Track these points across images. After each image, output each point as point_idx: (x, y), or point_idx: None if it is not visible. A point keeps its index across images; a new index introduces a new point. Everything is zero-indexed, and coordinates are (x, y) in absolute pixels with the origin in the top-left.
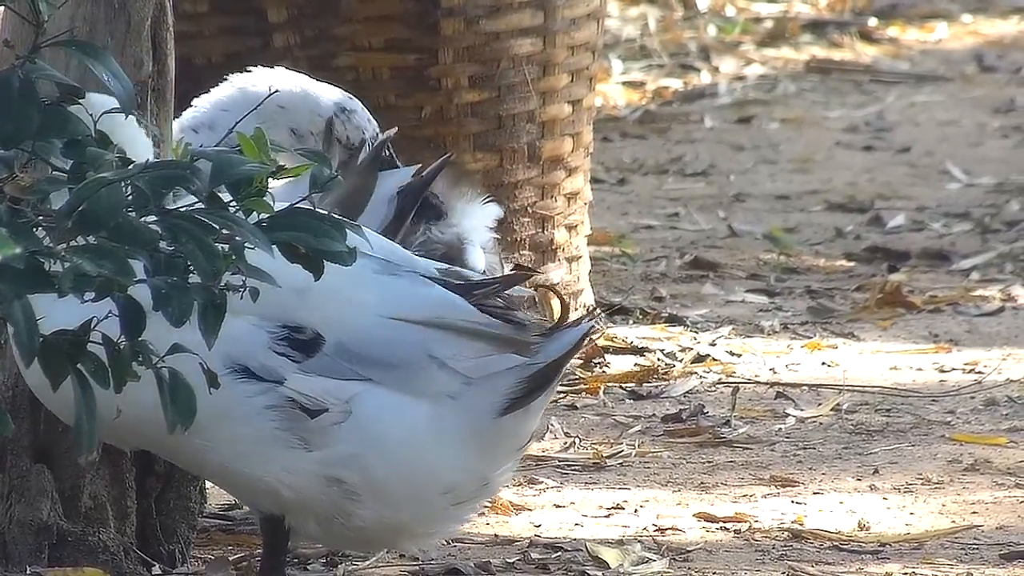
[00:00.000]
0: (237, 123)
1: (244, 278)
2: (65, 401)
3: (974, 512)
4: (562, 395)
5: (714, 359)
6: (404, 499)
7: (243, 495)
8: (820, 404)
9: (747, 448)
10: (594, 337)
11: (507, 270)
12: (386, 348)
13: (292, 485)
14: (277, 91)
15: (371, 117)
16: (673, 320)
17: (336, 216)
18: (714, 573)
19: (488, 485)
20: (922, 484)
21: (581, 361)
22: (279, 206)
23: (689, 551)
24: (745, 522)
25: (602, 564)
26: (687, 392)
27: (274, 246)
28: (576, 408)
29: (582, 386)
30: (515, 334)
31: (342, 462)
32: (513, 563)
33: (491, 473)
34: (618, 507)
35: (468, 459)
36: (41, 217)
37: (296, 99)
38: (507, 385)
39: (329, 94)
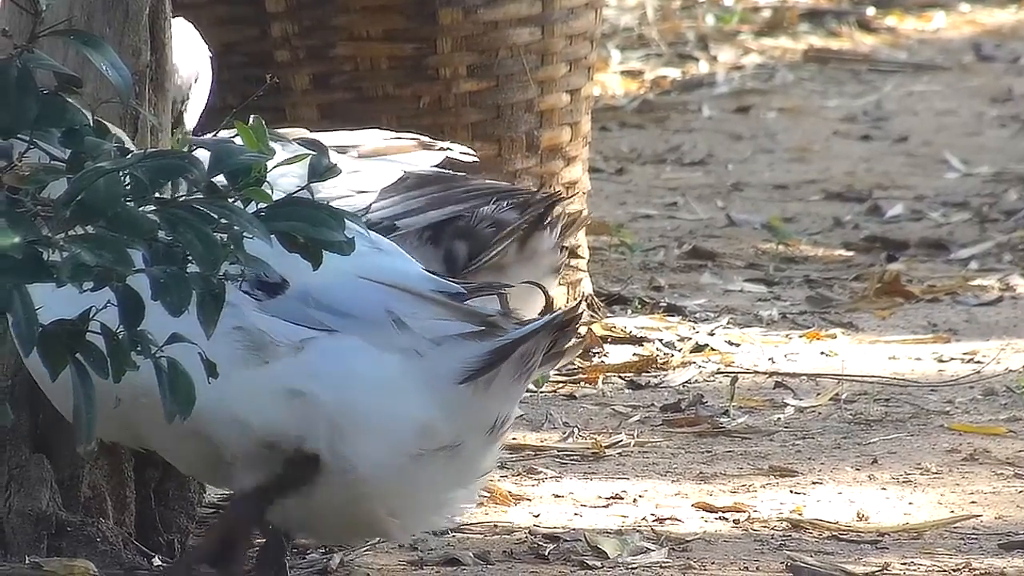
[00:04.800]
0: None
1: (243, 267)
2: (64, 389)
3: (973, 502)
4: (561, 384)
5: (713, 349)
6: (371, 442)
7: (219, 438)
8: (819, 394)
9: (746, 438)
10: (556, 323)
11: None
12: (349, 300)
13: (254, 406)
14: None
15: (183, 95)
16: (672, 310)
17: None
18: (713, 563)
19: (460, 449)
20: (921, 474)
21: (580, 351)
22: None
23: (688, 541)
24: (744, 512)
25: (601, 554)
26: (686, 382)
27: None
28: (575, 398)
29: (581, 376)
30: (477, 310)
31: (303, 380)
32: (512, 553)
33: (459, 438)
34: (617, 497)
35: (429, 413)
36: (39, 207)
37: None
38: (466, 354)
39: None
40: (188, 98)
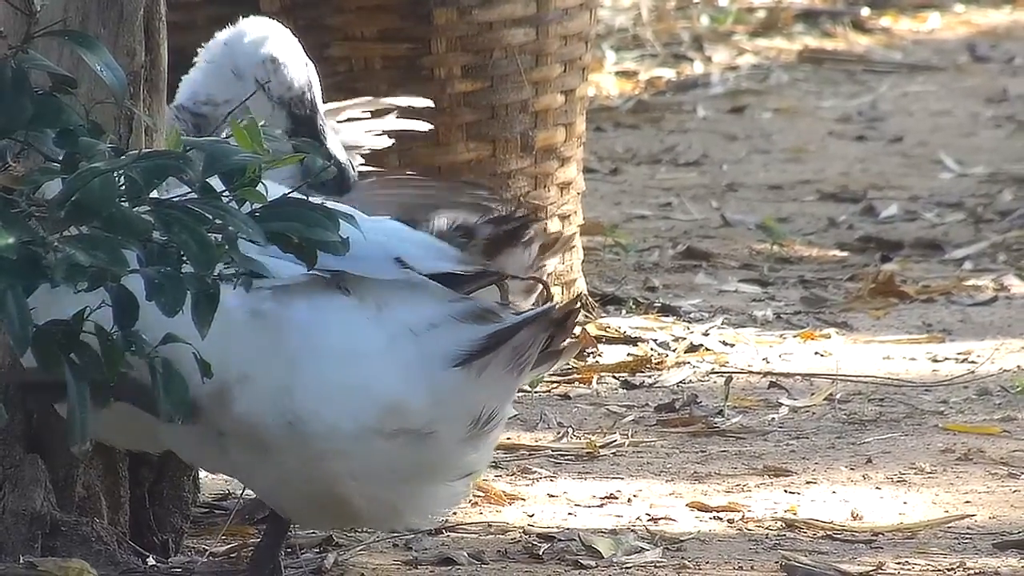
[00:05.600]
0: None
1: (237, 268)
2: None
3: (967, 502)
4: (555, 384)
5: (707, 349)
6: (338, 398)
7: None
8: (813, 394)
9: (740, 438)
10: (555, 315)
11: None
12: (353, 243)
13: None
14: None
15: (306, 79)
16: (666, 310)
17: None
18: (707, 563)
19: (434, 438)
20: (915, 474)
21: (576, 352)
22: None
23: (682, 541)
24: (738, 512)
25: (595, 554)
26: (680, 382)
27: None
28: (569, 398)
29: (575, 376)
30: (475, 257)
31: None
32: (507, 553)
33: (434, 423)
34: (611, 497)
35: (403, 390)
36: (34, 207)
37: (236, 38)
38: (462, 337)
39: (272, 45)
40: (315, 97)
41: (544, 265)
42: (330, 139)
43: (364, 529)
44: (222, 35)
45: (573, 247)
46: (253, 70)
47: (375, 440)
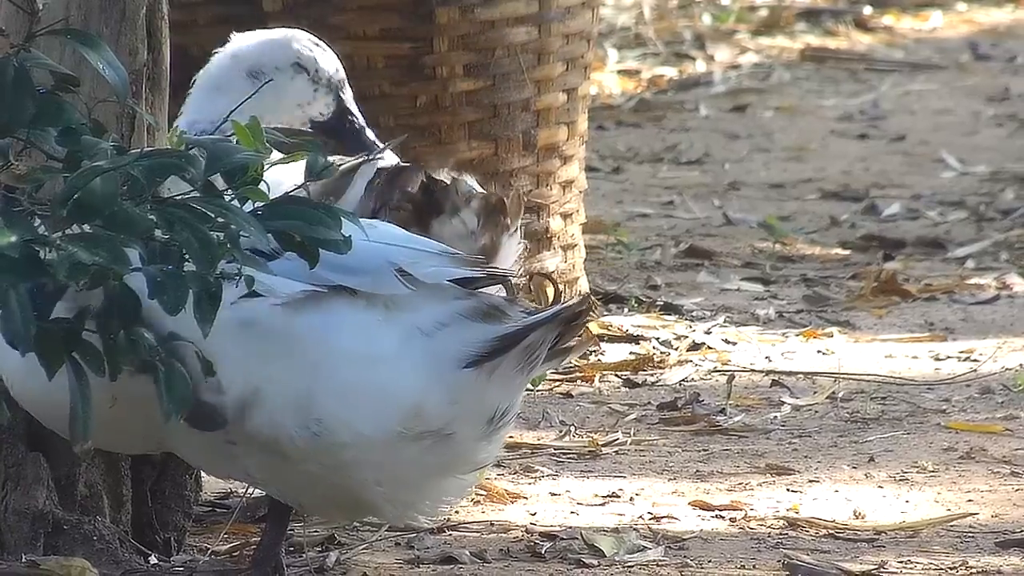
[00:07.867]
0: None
1: (239, 266)
2: (56, 411)
3: (969, 500)
4: (557, 383)
5: (709, 347)
6: (362, 404)
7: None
8: (816, 392)
9: (743, 436)
10: (566, 315)
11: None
12: (352, 256)
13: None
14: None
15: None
16: (668, 308)
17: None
18: (709, 561)
19: (453, 439)
20: (917, 472)
21: (584, 350)
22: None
23: (685, 539)
24: (741, 510)
25: (597, 552)
26: (682, 380)
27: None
28: (571, 396)
29: (577, 374)
30: (479, 262)
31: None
32: (509, 551)
33: (452, 424)
34: (613, 495)
35: (421, 393)
36: (36, 206)
37: (252, 43)
38: (472, 338)
39: (306, 35)
40: (344, 88)
41: (505, 230)
42: (368, 129)
43: (367, 527)
44: (229, 47)
45: (525, 212)
46: (295, 57)
47: (399, 445)
